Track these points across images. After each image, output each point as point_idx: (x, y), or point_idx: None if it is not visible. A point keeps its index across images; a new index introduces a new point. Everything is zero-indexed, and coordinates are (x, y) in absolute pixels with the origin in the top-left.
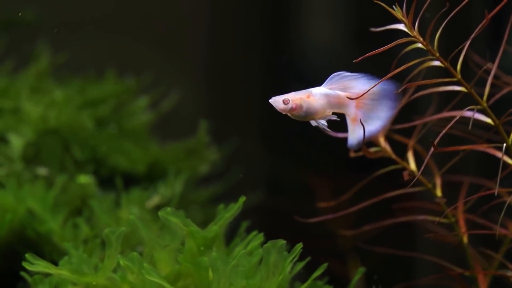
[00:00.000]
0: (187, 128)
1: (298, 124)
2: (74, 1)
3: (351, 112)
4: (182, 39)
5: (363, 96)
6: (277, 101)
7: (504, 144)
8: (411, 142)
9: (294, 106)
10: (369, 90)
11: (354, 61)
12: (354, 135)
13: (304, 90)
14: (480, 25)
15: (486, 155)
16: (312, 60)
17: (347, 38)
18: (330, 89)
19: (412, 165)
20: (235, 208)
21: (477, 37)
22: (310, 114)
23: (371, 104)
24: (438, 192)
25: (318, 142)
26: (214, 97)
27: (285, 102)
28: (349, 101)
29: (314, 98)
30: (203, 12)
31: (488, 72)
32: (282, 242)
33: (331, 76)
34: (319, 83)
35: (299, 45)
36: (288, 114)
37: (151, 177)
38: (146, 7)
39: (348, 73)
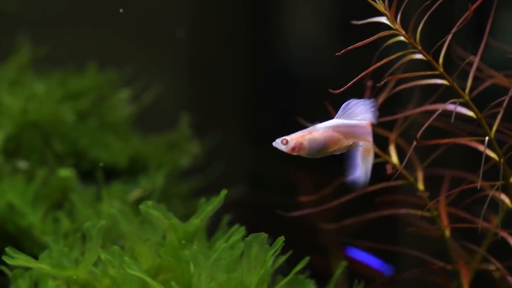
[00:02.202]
0: (168, 121)
1: (280, 118)
2: None
3: (368, 141)
4: (164, 32)
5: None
6: (277, 143)
7: (487, 138)
8: (393, 136)
9: (294, 145)
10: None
11: (336, 53)
12: (364, 168)
13: (311, 127)
14: (463, 17)
15: (469, 148)
16: (295, 54)
17: (330, 32)
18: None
19: (395, 159)
20: (216, 201)
21: (460, 30)
22: (319, 149)
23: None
24: (420, 186)
25: None
26: (196, 90)
27: (283, 142)
28: (365, 129)
29: (318, 132)
30: (186, 5)
31: (470, 65)
32: (264, 235)
33: (343, 106)
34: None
35: (282, 39)
36: (300, 154)
37: (132, 170)
38: (128, 0)
39: (356, 100)
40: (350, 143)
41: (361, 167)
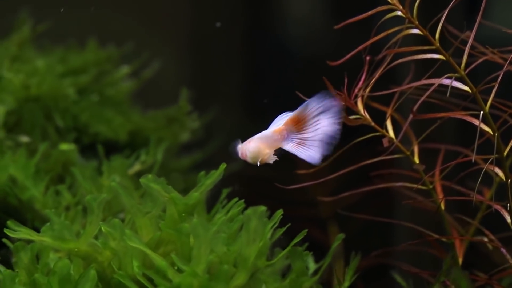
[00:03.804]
0: (168, 97)
1: (278, 93)
2: None
3: (287, 141)
4: (164, 9)
5: (295, 121)
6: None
7: (481, 112)
8: (389, 110)
9: (241, 152)
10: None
11: (335, 27)
12: (311, 151)
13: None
14: None
15: (464, 123)
16: (293, 31)
17: (327, 9)
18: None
19: (391, 133)
20: (216, 175)
21: (452, 9)
22: (252, 158)
23: (311, 123)
24: (416, 159)
25: None
26: (195, 66)
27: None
28: (277, 134)
29: (251, 142)
30: None
31: (464, 42)
32: (263, 209)
33: (276, 118)
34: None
35: (280, 16)
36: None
37: (133, 145)
38: None
39: (286, 113)
40: (272, 153)
41: (301, 154)
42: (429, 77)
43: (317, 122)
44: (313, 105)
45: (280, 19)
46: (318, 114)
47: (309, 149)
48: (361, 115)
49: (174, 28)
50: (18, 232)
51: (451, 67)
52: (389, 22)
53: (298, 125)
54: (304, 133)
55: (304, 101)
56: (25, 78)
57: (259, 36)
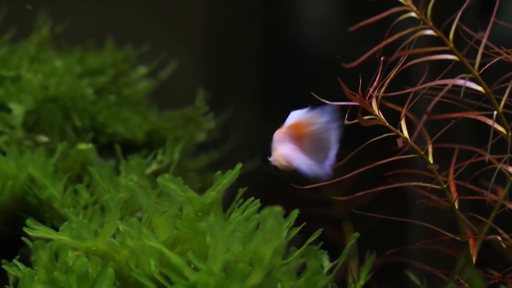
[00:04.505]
0: (185, 97)
1: (293, 93)
2: None
3: (285, 145)
4: (181, 10)
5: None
6: None
7: (495, 112)
8: (404, 110)
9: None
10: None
11: (350, 28)
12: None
13: None
14: None
15: (477, 122)
16: (307, 32)
17: (342, 10)
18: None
19: (405, 133)
20: (232, 174)
21: (466, 9)
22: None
23: (317, 131)
24: (430, 159)
25: None
26: (211, 66)
27: None
28: (279, 135)
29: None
30: None
31: (478, 43)
32: (279, 209)
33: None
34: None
35: (296, 16)
36: None
37: (150, 145)
38: None
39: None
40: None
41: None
42: (443, 78)
43: (314, 136)
44: (310, 115)
45: (295, 19)
46: (315, 127)
47: (308, 161)
48: (376, 115)
49: (190, 29)
50: (37, 230)
51: (465, 67)
52: (404, 23)
53: (295, 134)
54: (302, 144)
55: (318, 101)
56: (43, 79)
57: (274, 36)
